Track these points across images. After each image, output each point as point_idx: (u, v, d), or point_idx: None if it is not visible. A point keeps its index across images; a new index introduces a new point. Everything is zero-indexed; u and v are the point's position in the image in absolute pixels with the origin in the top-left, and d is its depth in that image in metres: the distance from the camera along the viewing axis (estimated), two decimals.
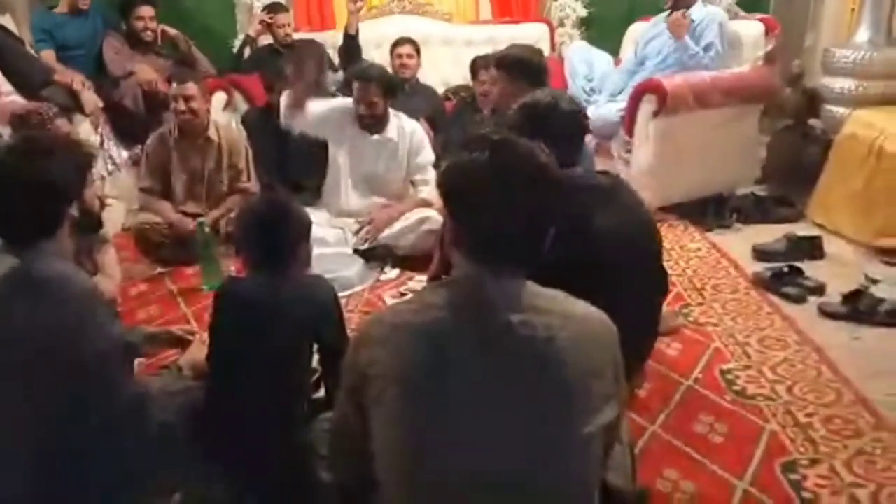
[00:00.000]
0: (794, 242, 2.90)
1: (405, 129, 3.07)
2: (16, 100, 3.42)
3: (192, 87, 2.98)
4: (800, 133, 3.64)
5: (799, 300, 2.53)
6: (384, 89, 2.97)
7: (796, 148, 3.61)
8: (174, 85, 3.03)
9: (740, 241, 3.08)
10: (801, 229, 3.07)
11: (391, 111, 3.06)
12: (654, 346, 2.02)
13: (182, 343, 2.01)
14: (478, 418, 1.01)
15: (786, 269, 2.66)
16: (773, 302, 2.54)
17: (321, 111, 2.96)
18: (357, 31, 3.89)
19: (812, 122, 3.66)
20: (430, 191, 3.02)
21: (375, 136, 3.03)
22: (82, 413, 1.35)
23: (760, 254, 2.91)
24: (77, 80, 3.44)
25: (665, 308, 2.42)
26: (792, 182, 3.52)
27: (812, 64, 3.89)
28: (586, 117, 1.90)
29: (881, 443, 1.77)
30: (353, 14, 3.84)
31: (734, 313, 2.46)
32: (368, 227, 2.94)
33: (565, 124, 1.79)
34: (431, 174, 3.06)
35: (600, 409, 1.05)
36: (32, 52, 3.60)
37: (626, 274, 1.64)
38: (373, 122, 3.00)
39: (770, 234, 3.06)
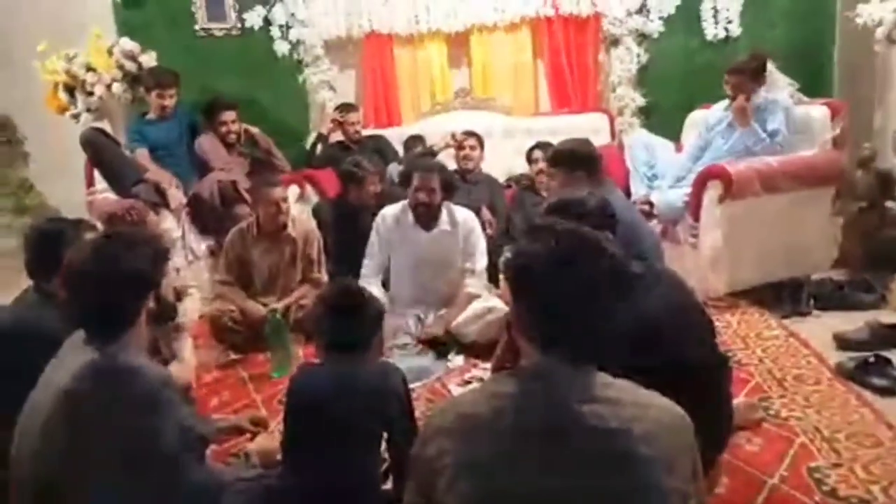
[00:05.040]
0: (879, 330, 2.75)
1: (457, 218, 3.14)
2: (108, 196, 3.71)
3: (282, 191, 3.20)
4: (876, 216, 3.53)
5: (889, 393, 2.37)
6: (443, 182, 3.09)
7: (873, 231, 3.49)
8: (266, 189, 3.17)
9: (820, 329, 2.94)
10: (885, 316, 2.92)
11: (444, 203, 3.14)
12: (729, 437, 1.91)
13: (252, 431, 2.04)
14: None
15: (872, 359, 2.51)
16: (860, 394, 2.39)
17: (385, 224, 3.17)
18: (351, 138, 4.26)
19: (889, 204, 3.54)
20: (474, 283, 3.07)
21: (432, 232, 3.12)
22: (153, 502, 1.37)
23: (843, 342, 2.77)
24: (166, 179, 3.70)
25: (743, 399, 2.33)
26: (871, 266, 3.38)
27: (883, 146, 3.81)
28: (613, 216, 1.85)
29: None
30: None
31: (819, 406, 2.32)
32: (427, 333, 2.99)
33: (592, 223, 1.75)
34: (479, 263, 3.12)
35: None
36: (127, 152, 3.90)
37: (681, 358, 1.57)
38: (428, 215, 3.09)
39: (851, 321, 2.91)
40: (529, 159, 3.90)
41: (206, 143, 4.00)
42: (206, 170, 3.93)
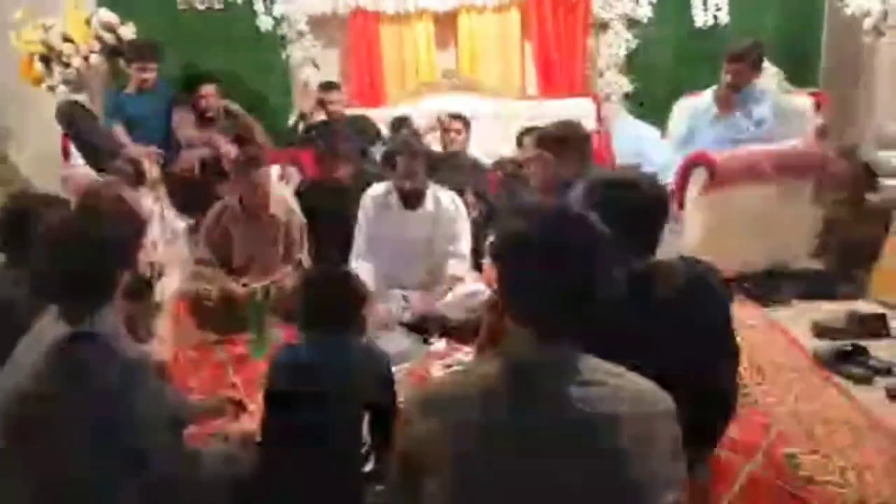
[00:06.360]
0: (857, 320, 2.78)
1: (441, 199, 3.13)
2: (86, 171, 3.63)
3: (265, 170, 3.15)
4: (857, 207, 3.56)
5: (865, 381, 2.41)
6: (426, 163, 3.08)
7: (853, 222, 3.52)
8: (248, 168, 3.10)
9: (799, 318, 2.97)
10: (863, 306, 2.95)
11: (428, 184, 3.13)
12: (724, 434, 1.91)
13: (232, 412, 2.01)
14: (533, 492, 0.99)
15: (849, 348, 2.54)
16: (836, 382, 2.42)
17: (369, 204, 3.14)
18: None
19: (869, 195, 3.57)
20: (456, 264, 3.06)
21: (418, 211, 3.10)
22: (120, 479, 1.34)
23: (821, 330, 2.80)
24: (142, 153, 3.63)
25: None
26: (851, 256, 3.41)
27: (866, 137, 3.84)
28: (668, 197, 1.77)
29: None
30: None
31: (796, 393, 2.35)
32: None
33: (646, 208, 1.66)
34: (463, 245, 3.10)
35: (660, 490, 1.01)
36: (104, 127, 3.82)
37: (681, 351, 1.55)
38: (414, 197, 3.07)
39: (830, 310, 2.95)
40: (520, 144, 3.87)
41: (175, 119, 3.92)
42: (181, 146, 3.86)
